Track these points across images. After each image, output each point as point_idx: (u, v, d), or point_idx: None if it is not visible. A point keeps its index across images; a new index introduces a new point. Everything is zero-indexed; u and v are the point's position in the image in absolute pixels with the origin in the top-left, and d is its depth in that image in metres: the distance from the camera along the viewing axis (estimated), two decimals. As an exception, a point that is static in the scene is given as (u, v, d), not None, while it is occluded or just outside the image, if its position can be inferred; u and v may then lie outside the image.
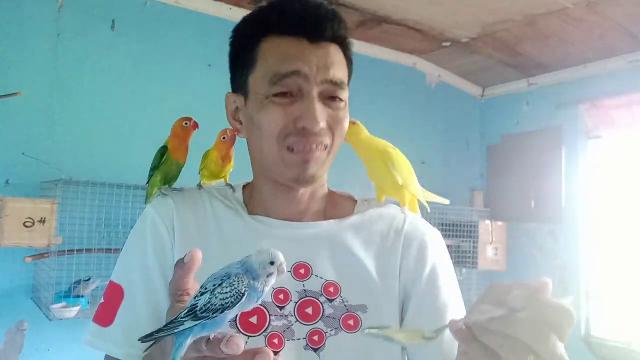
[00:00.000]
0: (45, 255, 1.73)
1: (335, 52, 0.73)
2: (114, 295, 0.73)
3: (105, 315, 0.73)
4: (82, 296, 1.73)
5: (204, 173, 0.90)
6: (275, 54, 0.71)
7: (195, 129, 0.90)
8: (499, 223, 2.80)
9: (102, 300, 0.75)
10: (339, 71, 0.72)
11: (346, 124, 0.74)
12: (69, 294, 1.71)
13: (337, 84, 0.71)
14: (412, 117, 2.95)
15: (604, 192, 2.75)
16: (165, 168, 0.87)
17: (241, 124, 0.77)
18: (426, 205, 0.93)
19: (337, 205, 0.82)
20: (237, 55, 0.77)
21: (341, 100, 0.73)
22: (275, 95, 0.70)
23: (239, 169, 0.92)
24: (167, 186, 0.87)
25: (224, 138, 0.90)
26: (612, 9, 2.15)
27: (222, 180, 0.90)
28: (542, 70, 2.92)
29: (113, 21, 2.04)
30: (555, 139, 2.89)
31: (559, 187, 2.85)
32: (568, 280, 2.78)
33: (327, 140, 0.72)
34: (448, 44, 2.68)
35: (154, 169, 0.88)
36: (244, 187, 0.82)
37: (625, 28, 2.33)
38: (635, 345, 2.52)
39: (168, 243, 0.74)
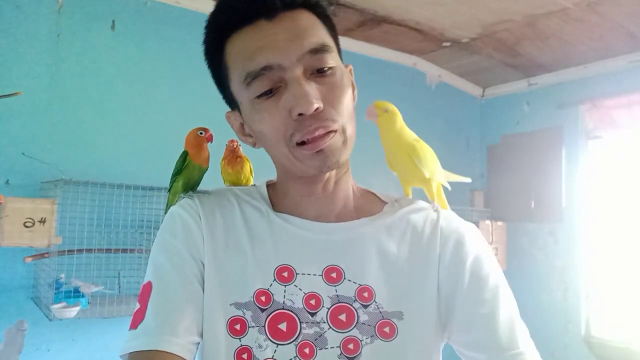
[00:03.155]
0: (45, 255, 1.73)
1: (300, 17, 0.65)
2: (145, 293, 0.66)
3: (138, 316, 0.65)
4: (83, 296, 1.73)
5: (226, 182, 0.92)
6: (240, 52, 0.65)
7: (209, 142, 0.87)
8: (499, 223, 2.80)
9: (138, 307, 0.67)
10: (313, 35, 0.64)
11: (347, 92, 0.66)
12: (69, 294, 1.70)
13: (316, 51, 0.63)
14: (412, 117, 2.91)
15: (604, 192, 2.75)
16: (187, 173, 0.84)
17: (251, 136, 0.72)
18: (447, 186, 0.90)
19: (366, 203, 0.76)
20: (214, 71, 0.72)
21: (330, 68, 0.64)
22: (259, 96, 0.64)
23: (259, 171, 0.91)
24: (190, 192, 0.84)
25: (226, 145, 0.91)
26: (612, 9, 2.15)
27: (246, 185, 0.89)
28: (542, 70, 2.92)
29: (113, 21, 2.04)
30: (555, 139, 2.90)
31: (559, 187, 2.85)
32: (568, 280, 2.78)
33: (334, 121, 0.64)
34: (448, 44, 2.68)
35: (176, 174, 0.85)
36: (269, 185, 0.78)
37: (625, 28, 2.33)
38: (635, 345, 2.52)
39: (198, 236, 0.69)
